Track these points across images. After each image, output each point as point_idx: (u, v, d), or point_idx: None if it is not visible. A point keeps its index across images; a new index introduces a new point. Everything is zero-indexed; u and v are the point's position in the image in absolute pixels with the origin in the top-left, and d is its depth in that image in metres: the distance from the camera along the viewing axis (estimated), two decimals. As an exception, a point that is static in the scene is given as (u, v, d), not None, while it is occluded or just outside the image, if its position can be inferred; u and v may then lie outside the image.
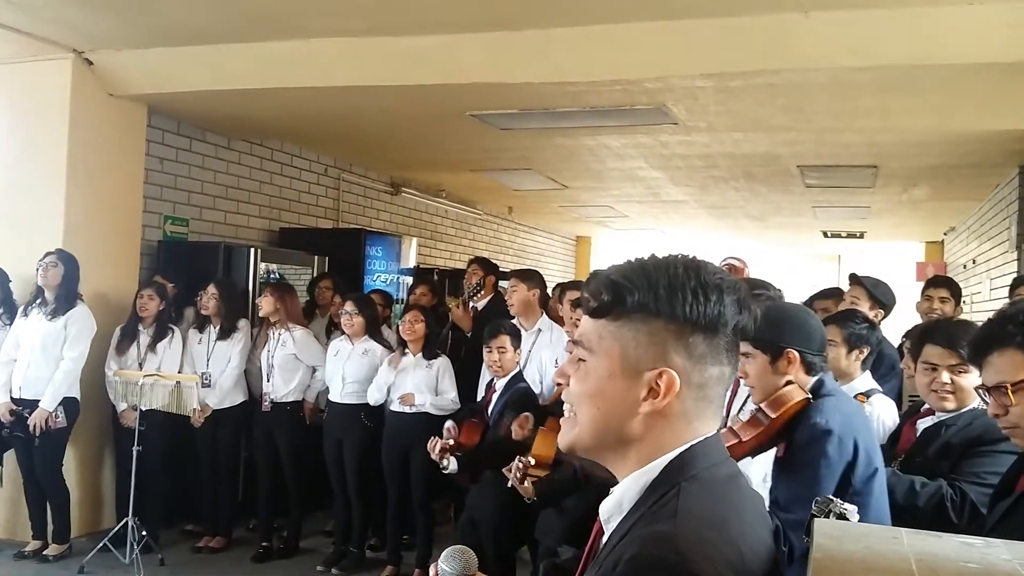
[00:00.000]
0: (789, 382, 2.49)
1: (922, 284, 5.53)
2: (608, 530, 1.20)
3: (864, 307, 4.33)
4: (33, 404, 5.40)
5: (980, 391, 1.96)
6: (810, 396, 2.46)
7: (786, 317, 2.62)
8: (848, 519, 1.92)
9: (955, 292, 5.14)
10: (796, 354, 2.50)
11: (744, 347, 2.53)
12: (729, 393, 3.38)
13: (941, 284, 5.26)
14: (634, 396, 1.15)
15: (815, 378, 2.54)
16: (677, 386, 1.14)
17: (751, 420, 2.49)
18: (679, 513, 1.08)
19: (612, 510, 1.19)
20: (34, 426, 5.34)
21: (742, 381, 3.13)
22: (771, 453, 2.65)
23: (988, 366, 1.88)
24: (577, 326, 1.29)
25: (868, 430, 2.49)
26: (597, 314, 1.19)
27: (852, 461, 2.36)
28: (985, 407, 2.74)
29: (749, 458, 2.64)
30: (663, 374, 1.14)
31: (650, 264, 1.18)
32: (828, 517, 1.91)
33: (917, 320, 4.97)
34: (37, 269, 5.46)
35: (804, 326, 2.58)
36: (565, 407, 1.25)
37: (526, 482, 4.07)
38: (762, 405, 2.49)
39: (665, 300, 1.14)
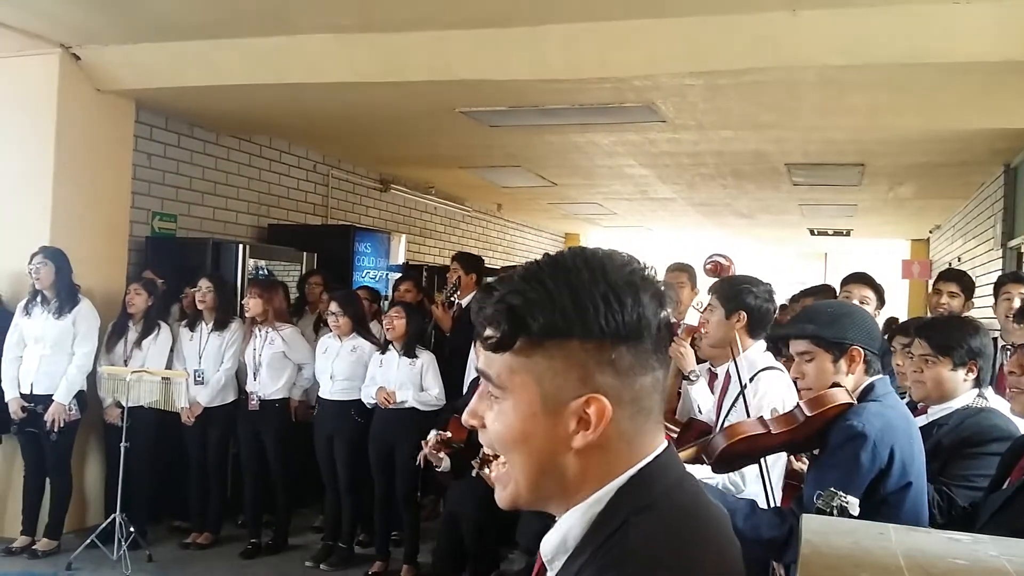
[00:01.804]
0: (836, 384, 2.40)
1: (907, 282, 5.54)
2: (552, 570, 1.05)
3: (872, 306, 4.35)
4: (46, 400, 5.46)
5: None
6: (854, 401, 2.37)
7: (847, 313, 2.56)
8: (850, 513, 1.93)
9: (966, 287, 4.93)
10: (861, 351, 2.43)
11: (802, 346, 2.49)
12: (719, 391, 3.38)
13: (951, 278, 5.07)
14: (563, 432, 0.99)
15: (869, 380, 2.46)
16: (609, 412, 0.97)
17: (786, 415, 2.42)
18: (628, 557, 0.93)
19: (556, 549, 1.03)
20: (52, 421, 5.39)
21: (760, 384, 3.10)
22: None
23: None
24: None
25: (910, 441, 2.35)
26: (499, 348, 1.00)
27: (885, 469, 2.26)
28: (978, 405, 2.79)
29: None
30: (591, 402, 0.97)
31: (546, 272, 0.99)
32: (831, 511, 1.93)
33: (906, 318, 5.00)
34: (29, 272, 5.47)
35: (865, 323, 2.50)
36: (490, 454, 1.10)
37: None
38: (801, 402, 2.41)
39: (574, 316, 0.96)
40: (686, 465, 1.09)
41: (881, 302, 4.49)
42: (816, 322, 2.56)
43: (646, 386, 1.01)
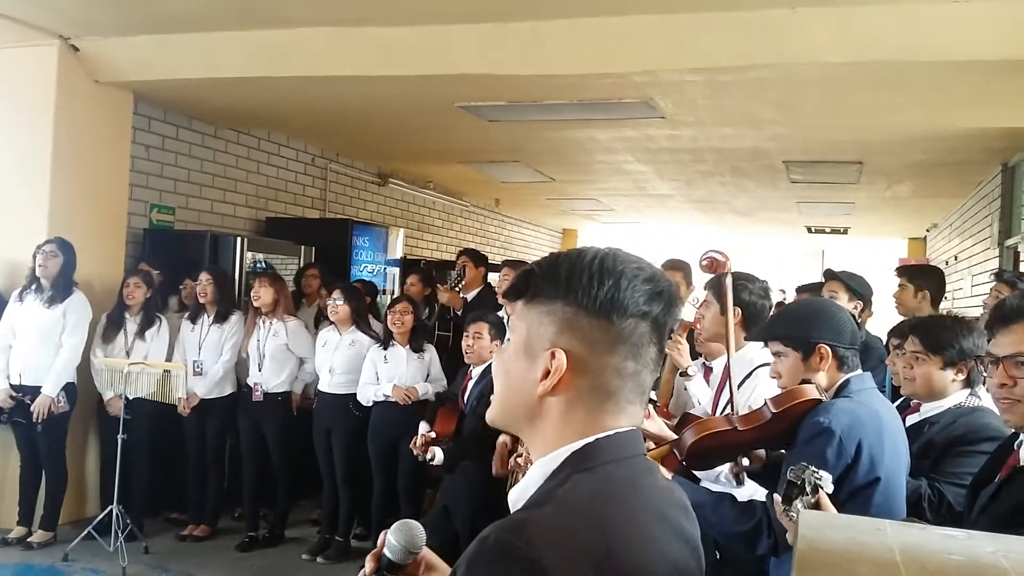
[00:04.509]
0: (807, 380, 2.41)
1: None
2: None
3: (843, 300, 4.36)
4: (34, 391, 5.44)
5: (987, 361, 1.95)
6: (822, 397, 2.38)
7: (814, 311, 2.57)
8: (822, 487, 1.94)
9: (912, 277, 4.94)
10: (828, 349, 2.43)
11: (774, 347, 2.53)
12: (716, 387, 3.39)
13: (902, 273, 5.12)
14: (533, 376, 1.16)
15: (844, 376, 2.46)
16: (564, 366, 1.14)
17: (753, 412, 2.44)
18: (552, 501, 1.07)
19: (519, 497, 1.17)
20: (38, 412, 5.38)
21: (738, 381, 3.11)
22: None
23: (1008, 334, 1.88)
24: None
25: (880, 437, 2.33)
26: (508, 296, 1.23)
27: (851, 464, 2.27)
28: (971, 404, 2.78)
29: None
30: (554, 354, 1.14)
31: (567, 253, 1.20)
32: (803, 483, 1.93)
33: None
34: (35, 256, 5.47)
35: (833, 319, 2.50)
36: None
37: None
38: (767, 399, 2.43)
39: (563, 285, 1.15)
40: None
41: (855, 296, 4.47)
42: (783, 322, 2.61)
43: (608, 366, 1.15)
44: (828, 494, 1.94)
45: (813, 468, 1.94)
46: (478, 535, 1.04)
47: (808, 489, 1.92)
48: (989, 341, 1.97)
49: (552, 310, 1.16)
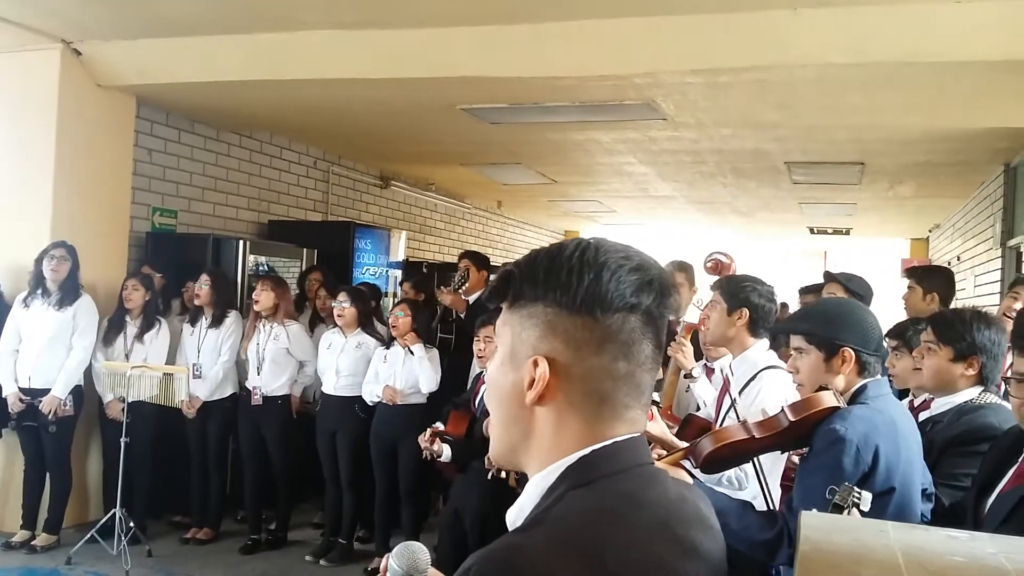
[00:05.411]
0: (824, 387, 2.38)
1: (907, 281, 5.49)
2: None
3: None
4: (43, 393, 5.47)
5: (1014, 380, 1.91)
6: (840, 404, 2.34)
7: (843, 313, 2.52)
8: (860, 506, 1.94)
9: (920, 279, 4.98)
10: (852, 353, 2.40)
11: (797, 342, 2.49)
12: (718, 393, 3.39)
13: (910, 275, 5.15)
14: (520, 387, 1.07)
15: (862, 381, 2.43)
16: (547, 374, 1.04)
17: (770, 419, 2.41)
18: (546, 523, 0.98)
19: (516, 517, 1.08)
20: (50, 412, 5.41)
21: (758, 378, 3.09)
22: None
23: None
24: None
25: (896, 445, 2.29)
26: (489, 301, 1.15)
27: (868, 473, 2.23)
28: (982, 401, 2.75)
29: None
30: (536, 362, 1.05)
31: (547, 249, 1.10)
32: (847, 505, 1.93)
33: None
34: (42, 261, 5.48)
35: (862, 323, 2.46)
36: None
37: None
38: (784, 406, 2.40)
39: (542, 283, 1.06)
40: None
41: (852, 295, 4.47)
42: (812, 320, 2.57)
43: (596, 368, 1.05)
44: (863, 512, 1.94)
45: (856, 489, 1.94)
46: (460, 566, 0.96)
47: (849, 509, 1.92)
48: (1010, 351, 1.92)
49: (533, 312, 1.07)
